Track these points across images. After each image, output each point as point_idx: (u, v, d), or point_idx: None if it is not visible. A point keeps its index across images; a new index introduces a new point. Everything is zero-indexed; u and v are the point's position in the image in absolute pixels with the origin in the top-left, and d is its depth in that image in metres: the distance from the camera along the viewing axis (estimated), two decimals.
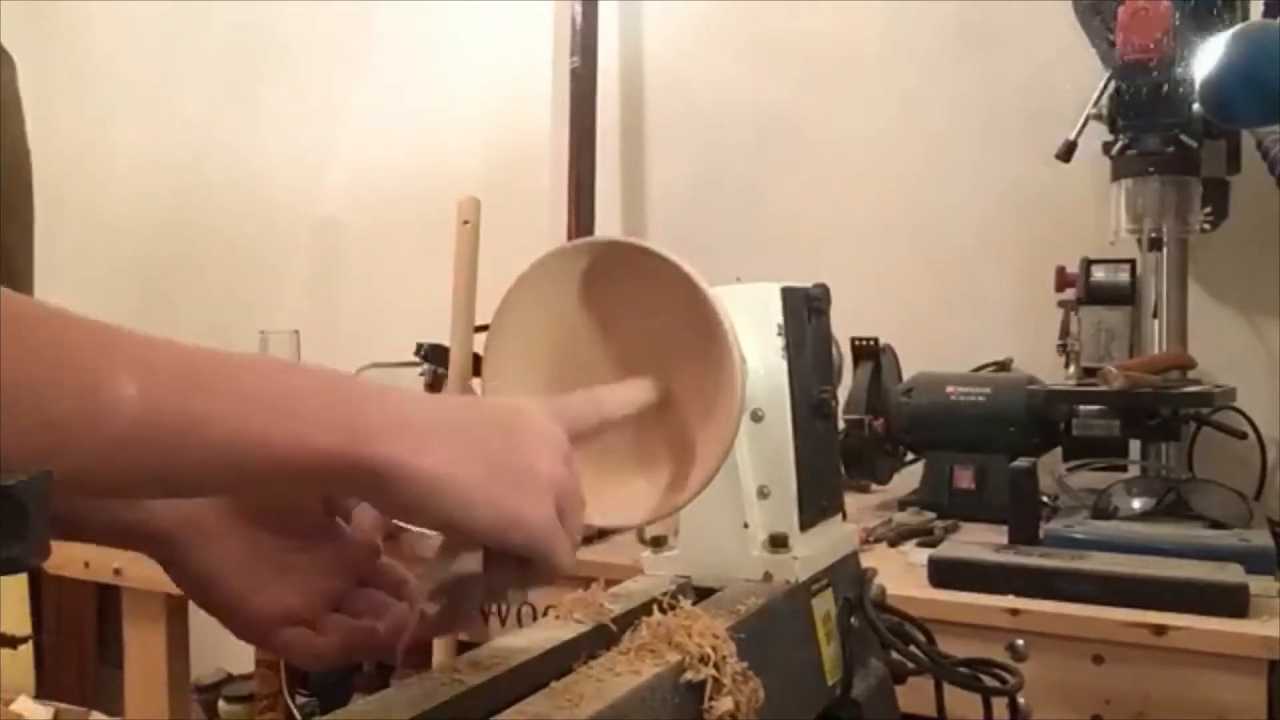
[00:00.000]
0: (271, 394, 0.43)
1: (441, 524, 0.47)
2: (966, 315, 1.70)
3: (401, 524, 0.49)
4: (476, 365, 1.44)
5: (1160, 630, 0.90)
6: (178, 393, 0.40)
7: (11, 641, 2.01)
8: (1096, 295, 1.41)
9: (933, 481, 1.39)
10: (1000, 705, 0.79)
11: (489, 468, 0.47)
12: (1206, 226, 1.33)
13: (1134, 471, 1.32)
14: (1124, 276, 1.41)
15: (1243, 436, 1.40)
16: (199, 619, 0.81)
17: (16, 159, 1.21)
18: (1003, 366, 1.56)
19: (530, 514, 0.47)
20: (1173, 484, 1.21)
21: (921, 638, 0.82)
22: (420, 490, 0.45)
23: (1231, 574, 0.95)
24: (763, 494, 0.73)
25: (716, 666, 0.55)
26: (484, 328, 0.67)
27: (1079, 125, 1.28)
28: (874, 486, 1.51)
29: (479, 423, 0.49)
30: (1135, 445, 1.36)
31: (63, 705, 1.95)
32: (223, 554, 0.56)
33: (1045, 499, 1.21)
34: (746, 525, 0.73)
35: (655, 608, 0.60)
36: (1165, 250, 1.30)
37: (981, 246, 1.70)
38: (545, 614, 0.66)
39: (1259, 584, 0.94)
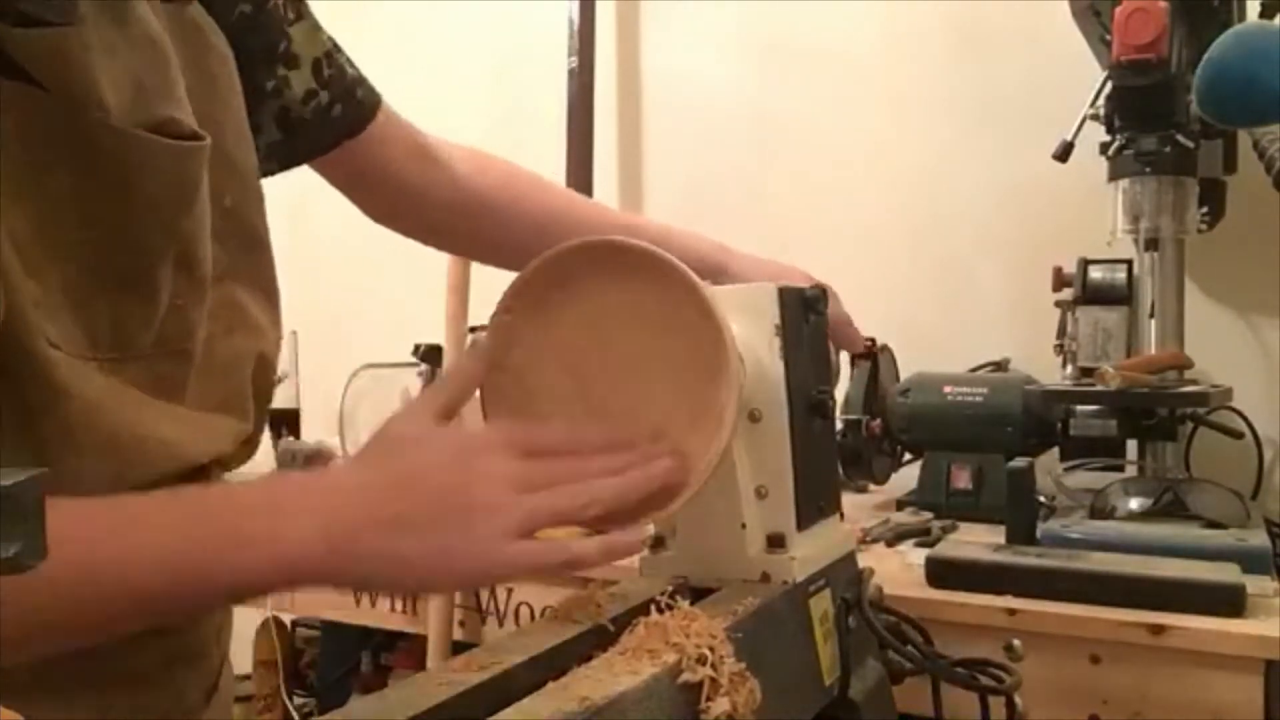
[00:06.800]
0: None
1: None
2: (964, 315, 1.70)
3: None
4: None
5: (1157, 630, 0.90)
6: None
7: None
8: (1093, 295, 1.41)
9: (930, 481, 1.39)
10: (998, 705, 0.79)
11: (411, 550, 0.55)
12: (1203, 227, 1.33)
13: (1131, 471, 1.32)
14: (1121, 277, 1.41)
15: (1239, 436, 1.40)
16: None
17: None
18: (1000, 367, 1.56)
19: (456, 571, 0.57)
20: (1170, 484, 1.21)
21: (919, 637, 0.82)
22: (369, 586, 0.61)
23: (1228, 574, 0.95)
24: (760, 494, 0.73)
25: (714, 667, 0.55)
26: (480, 328, 0.67)
27: (1076, 125, 1.28)
28: (871, 486, 1.51)
29: (397, 508, 0.55)
30: (1132, 445, 1.36)
31: None
32: None
33: (1042, 499, 1.20)
34: (744, 525, 0.73)
35: (653, 608, 0.60)
36: (1162, 250, 1.31)
37: (979, 247, 1.71)
38: (543, 614, 0.66)
39: (1256, 584, 0.94)
